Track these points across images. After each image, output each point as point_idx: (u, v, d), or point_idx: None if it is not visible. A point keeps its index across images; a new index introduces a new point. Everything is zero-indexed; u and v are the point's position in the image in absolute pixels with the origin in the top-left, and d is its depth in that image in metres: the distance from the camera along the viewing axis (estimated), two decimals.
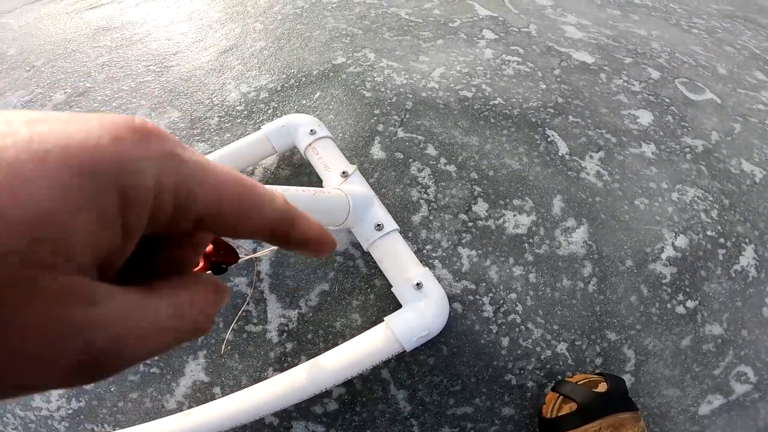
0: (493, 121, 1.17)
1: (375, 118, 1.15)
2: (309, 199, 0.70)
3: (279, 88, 1.24)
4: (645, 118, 1.27)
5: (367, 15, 1.48)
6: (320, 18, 1.46)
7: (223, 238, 0.71)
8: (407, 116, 1.15)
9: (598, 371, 0.92)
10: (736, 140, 1.28)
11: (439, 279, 0.94)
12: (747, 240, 1.08)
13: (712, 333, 0.99)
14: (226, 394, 0.83)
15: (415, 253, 0.94)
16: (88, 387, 0.95)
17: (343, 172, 0.90)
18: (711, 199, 1.13)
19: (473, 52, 1.36)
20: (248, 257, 0.95)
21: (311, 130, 0.95)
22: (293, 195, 0.67)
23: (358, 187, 0.89)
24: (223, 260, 0.69)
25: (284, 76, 1.27)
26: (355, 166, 0.93)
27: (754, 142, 1.29)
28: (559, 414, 0.81)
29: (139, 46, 1.47)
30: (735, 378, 0.99)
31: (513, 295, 0.95)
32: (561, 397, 0.83)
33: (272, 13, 1.51)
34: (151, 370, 0.95)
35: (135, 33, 1.54)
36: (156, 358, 0.95)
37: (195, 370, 0.94)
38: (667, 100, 1.34)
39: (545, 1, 1.73)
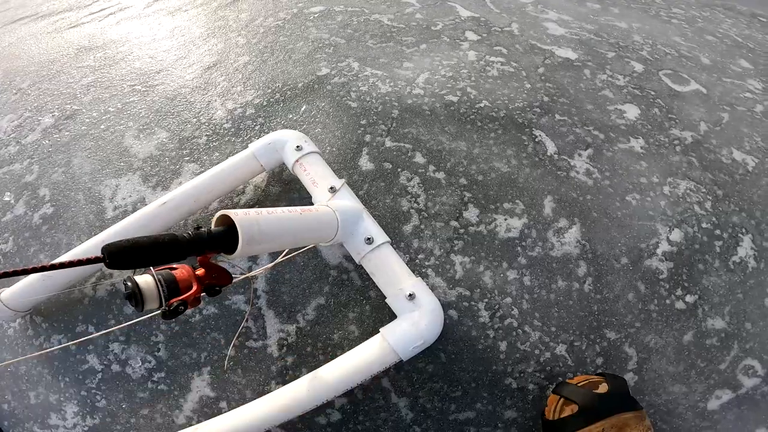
0: (479, 124, 1.17)
1: (362, 128, 1.15)
2: (297, 219, 0.70)
3: (265, 104, 1.24)
4: (632, 112, 1.27)
5: (349, 23, 1.48)
6: (302, 29, 1.46)
7: (213, 260, 0.71)
8: (394, 125, 1.15)
9: (599, 371, 0.93)
10: (725, 130, 1.28)
11: (432, 287, 0.94)
12: (744, 230, 1.08)
13: (715, 327, 0.99)
14: (232, 408, 0.85)
15: (408, 262, 0.94)
16: (101, 404, 0.98)
17: (331, 188, 0.90)
18: (704, 190, 1.13)
19: (457, 54, 1.36)
20: (244, 276, 0.95)
21: (298, 146, 0.95)
22: (280, 217, 0.67)
23: (347, 201, 0.89)
24: (216, 282, 0.70)
25: (269, 90, 1.27)
26: (343, 180, 0.93)
27: (744, 131, 1.29)
28: (561, 416, 0.81)
29: (122, 65, 1.47)
30: (742, 371, 0.98)
31: (508, 300, 0.95)
32: (562, 399, 0.83)
33: (254, 27, 1.51)
34: (159, 387, 0.97)
35: (118, 52, 1.53)
36: (162, 375, 0.98)
37: (201, 386, 0.96)
38: (652, 92, 1.34)
39: None
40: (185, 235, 0.58)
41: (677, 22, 1.77)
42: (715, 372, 0.97)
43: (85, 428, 0.98)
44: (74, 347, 1.01)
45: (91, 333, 1.00)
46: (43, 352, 1.00)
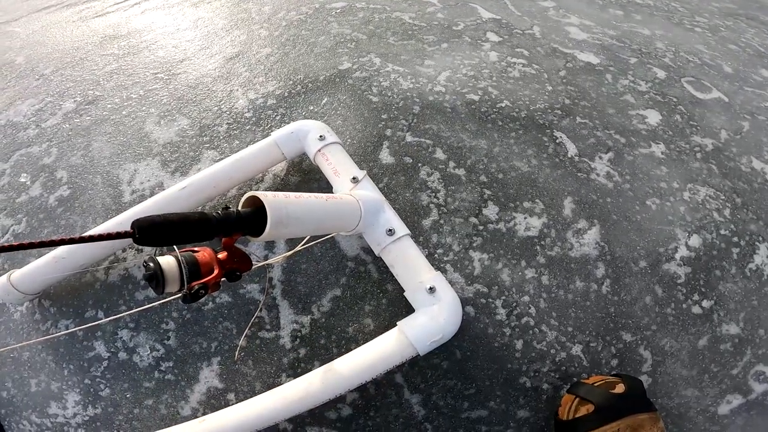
0: (500, 123, 1.17)
1: (383, 122, 1.15)
2: (321, 205, 0.70)
3: (286, 95, 1.24)
4: (653, 117, 1.26)
5: (371, 20, 1.48)
6: (324, 24, 1.47)
7: (237, 245, 0.71)
8: (415, 120, 1.15)
9: (614, 372, 0.92)
10: (746, 138, 1.28)
11: (451, 283, 0.93)
12: (760, 238, 1.08)
13: (729, 332, 0.98)
14: (240, 401, 0.84)
15: (427, 257, 0.94)
16: (104, 393, 0.96)
17: (354, 178, 0.90)
18: (723, 197, 1.12)
19: (478, 55, 1.36)
20: (260, 264, 0.95)
21: (320, 136, 0.95)
22: (307, 202, 0.67)
23: (369, 192, 0.89)
24: (238, 267, 0.69)
25: (291, 82, 1.27)
26: (364, 171, 0.93)
27: (764, 140, 1.28)
28: (576, 416, 0.81)
29: (146, 54, 1.48)
30: (754, 377, 0.98)
31: (526, 298, 0.95)
32: (578, 398, 0.82)
33: (276, 20, 1.52)
34: (166, 377, 0.96)
35: (142, 41, 1.55)
36: (170, 364, 0.96)
37: (209, 377, 0.95)
38: (674, 99, 1.33)
39: (547, 3, 1.73)
40: (215, 214, 0.58)
41: (700, 30, 1.76)
42: (728, 377, 0.97)
43: (86, 418, 0.96)
44: (81, 333, 0.99)
45: (101, 319, 0.98)
46: (48, 337, 0.99)
